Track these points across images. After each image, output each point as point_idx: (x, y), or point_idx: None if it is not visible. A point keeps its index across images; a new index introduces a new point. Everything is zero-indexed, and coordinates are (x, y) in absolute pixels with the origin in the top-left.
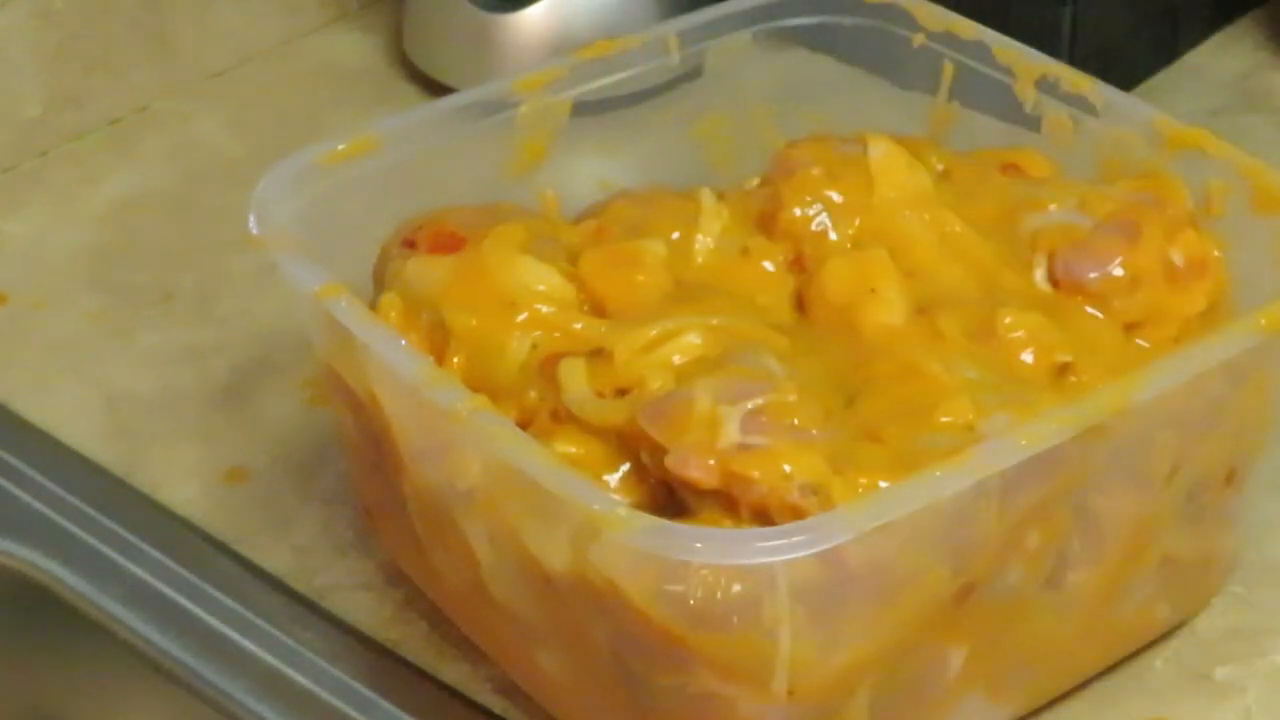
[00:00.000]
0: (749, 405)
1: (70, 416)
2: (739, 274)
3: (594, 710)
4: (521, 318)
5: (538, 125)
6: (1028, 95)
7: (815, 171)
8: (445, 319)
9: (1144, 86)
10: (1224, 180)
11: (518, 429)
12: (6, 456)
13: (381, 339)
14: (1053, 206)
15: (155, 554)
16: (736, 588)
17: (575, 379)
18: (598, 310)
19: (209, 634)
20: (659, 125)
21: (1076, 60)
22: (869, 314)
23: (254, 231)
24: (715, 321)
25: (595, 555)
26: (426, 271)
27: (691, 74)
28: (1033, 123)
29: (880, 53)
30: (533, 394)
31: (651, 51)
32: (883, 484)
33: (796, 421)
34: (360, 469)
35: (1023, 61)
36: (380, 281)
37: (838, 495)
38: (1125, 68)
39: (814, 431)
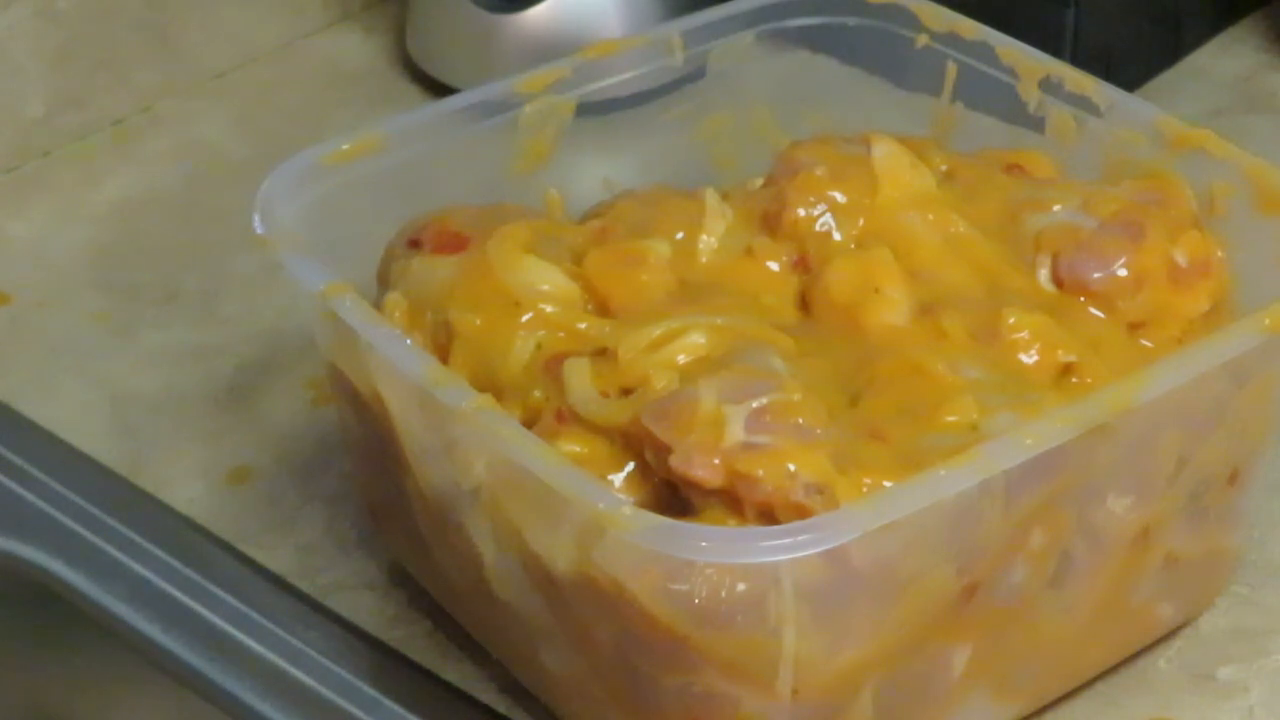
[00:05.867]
0: (753, 404)
1: (74, 416)
2: (743, 274)
3: (598, 709)
4: (526, 317)
5: (541, 125)
6: (1031, 96)
7: (819, 172)
8: (450, 318)
9: (1146, 88)
10: (1227, 181)
11: (522, 428)
12: (10, 455)
13: (386, 338)
14: (1056, 207)
15: (159, 553)
16: (741, 587)
17: (579, 378)
18: (602, 310)
19: (212, 633)
20: (662, 126)
21: (1079, 61)
22: (873, 314)
23: (258, 231)
24: (719, 321)
25: (600, 554)
26: (431, 271)
27: (695, 75)
28: (1036, 123)
29: (883, 53)
30: (537, 393)
31: (655, 52)
32: (887, 483)
33: (801, 421)
34: (364, 468)
35: (1026, 62)
36: (385, 281)
37: (842, 494)
38: (1127, 69)
39: (818, 431)
